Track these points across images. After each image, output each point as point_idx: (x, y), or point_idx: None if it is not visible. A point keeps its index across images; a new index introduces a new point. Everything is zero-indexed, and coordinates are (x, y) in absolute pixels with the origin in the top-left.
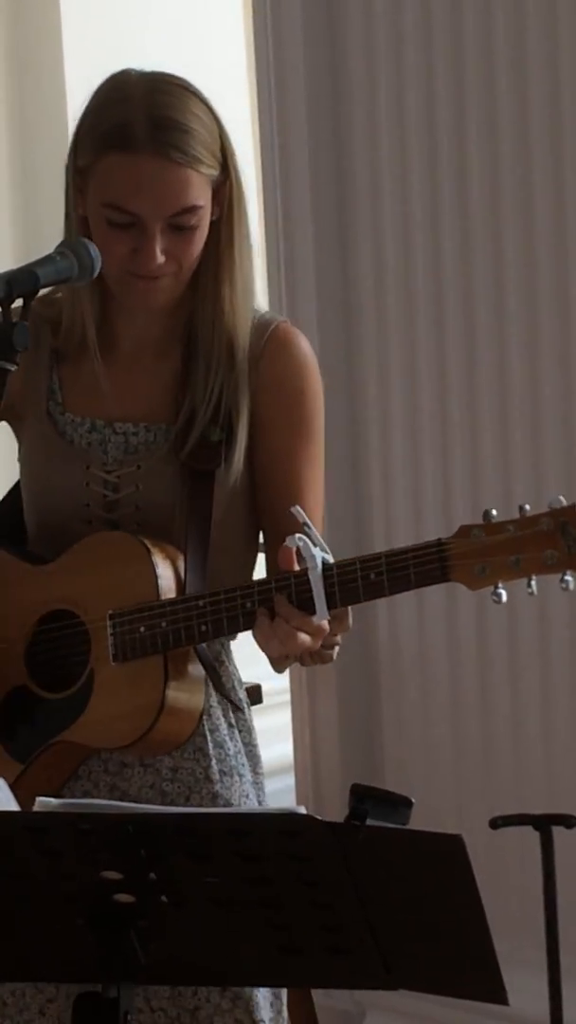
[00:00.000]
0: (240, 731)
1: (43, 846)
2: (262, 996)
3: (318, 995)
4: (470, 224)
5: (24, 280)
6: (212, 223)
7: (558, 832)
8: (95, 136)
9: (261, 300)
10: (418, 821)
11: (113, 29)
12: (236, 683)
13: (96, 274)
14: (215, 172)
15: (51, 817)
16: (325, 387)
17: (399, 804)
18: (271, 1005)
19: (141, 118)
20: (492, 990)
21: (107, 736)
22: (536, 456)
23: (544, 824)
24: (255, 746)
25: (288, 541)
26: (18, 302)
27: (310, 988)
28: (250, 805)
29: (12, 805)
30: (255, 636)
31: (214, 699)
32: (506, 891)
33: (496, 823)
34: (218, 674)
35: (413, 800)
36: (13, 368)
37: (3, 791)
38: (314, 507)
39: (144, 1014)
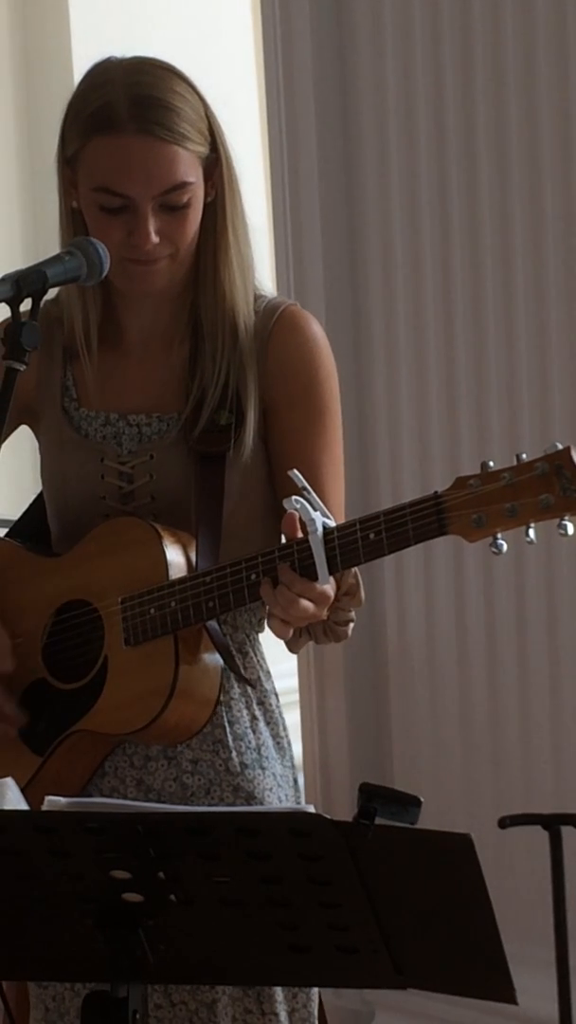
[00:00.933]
0: (268, 723)
1: (52, 846)
2: (280, 988)
3: (327, 994)
4: (477, 208)
5: (33, 280)
6: (207, 205)
7: (567, 832)
8: (79, 123)
9: (268, 285)
10: (427, 820)
11: (122, 26)
12: (263, 674)
13: (105, 273)
14: (204, 150)
15: (60, 817)
16: None
17: (408, 803)
18: (295, 997)
19: (123, 99)
20: (501, 989)
21: (121, 721)
22: (543, 419)
23: (553, 824)
24: (283, 738)
25: (286, 504)
26: (27, 302)
27: (319, 987)
28: (275, 798)
29: (22, 805)
30: None
31: (235, 691)
32: (515, 891)
33: (505, 823)
34: (232, 657)
35: (422, 799)
36: (22, 368)
37: (13, 791)
38: (332, 490)
39: (164, 1009)
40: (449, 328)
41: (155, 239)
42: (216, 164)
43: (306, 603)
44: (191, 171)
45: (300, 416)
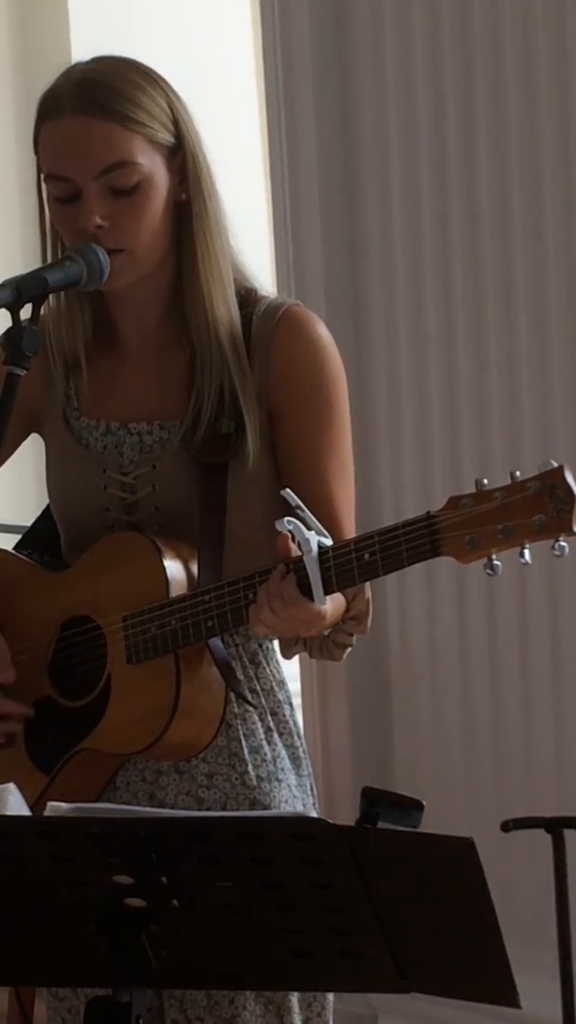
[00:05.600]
0: (281, 734)
1: (54, 851)
2: (296, 1000)
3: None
4: (478, 210)
5: (33, 285)
6: (181, 206)
7: (570, 835)
8: (35, 120)
9: (269, 288)
10: (429, 824)
11: (122, 33)
12: (276, 684)
13: (106, 279)
14: (163, 136)
15: (62, 822)
16: None
17: (410, 807)
18: (309, 1006)
19: (68, 85)
20: (504, 993)
21: (125, 741)
22: (544, 429)
23: (556, 827)
24: (297, 747)
25: (278, 525)
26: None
27: (322, 992)
28: (291, 810)
29: (23, 811)
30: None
31: None
32: (517, 894)
33: (507, 826)
34: (234, 674)
35: (424, 803)
36: (23, 373)
37: (15, 796)
38: (340, 495)
39: None
40: (451, 333)
41: (99, 221)
42: (180, 157)
43: (296, 620)
44: (136, 152)
45: (306, 419)
